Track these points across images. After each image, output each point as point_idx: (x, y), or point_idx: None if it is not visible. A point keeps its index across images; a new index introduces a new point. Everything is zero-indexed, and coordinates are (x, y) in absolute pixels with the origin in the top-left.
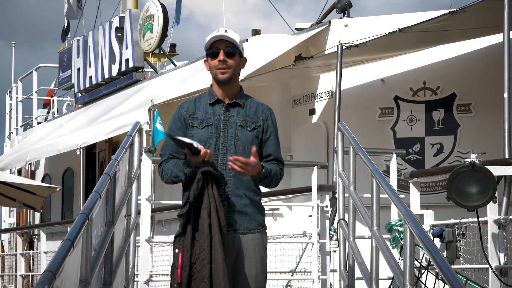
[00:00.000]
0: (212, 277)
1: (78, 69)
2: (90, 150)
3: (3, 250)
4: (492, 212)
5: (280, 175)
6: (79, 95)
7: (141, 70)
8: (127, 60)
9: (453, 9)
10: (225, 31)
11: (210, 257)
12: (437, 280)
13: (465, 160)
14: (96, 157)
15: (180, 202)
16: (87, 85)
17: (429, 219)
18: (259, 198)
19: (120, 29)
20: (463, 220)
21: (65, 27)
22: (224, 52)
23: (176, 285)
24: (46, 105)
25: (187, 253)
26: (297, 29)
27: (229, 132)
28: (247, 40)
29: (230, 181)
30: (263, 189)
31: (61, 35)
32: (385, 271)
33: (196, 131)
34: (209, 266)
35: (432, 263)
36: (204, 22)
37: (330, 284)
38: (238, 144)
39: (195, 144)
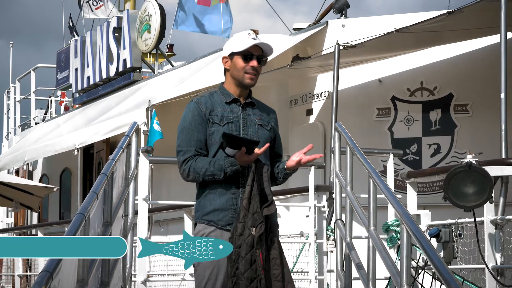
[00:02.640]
0: (284, 276)
1: (76, 69)
2: (87, 150)
3: None
4: (488, 213)
5: None
6: (77, 95)
7: (138, 70)
8: (124, 61)
9: (450, 10)
10: (256, 36)
11: (281, 258)
12: (433, 280)
13: (462, 160)
14: (94, 157)
15: (179, 202)
16: (85, 85)
17: (426, 219)
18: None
19: (117, 30)
20: (459, 220)
21: (70, 23)
22: (257, 58)
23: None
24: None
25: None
26: (294, 29)
27: (250, 130)
28: None
29: None
30: None
31: (70, 30)
32: (382, 271)
33: (217, 128)
34: (281, 267)
35: (429, 263)
36: None
37: (327, 284)
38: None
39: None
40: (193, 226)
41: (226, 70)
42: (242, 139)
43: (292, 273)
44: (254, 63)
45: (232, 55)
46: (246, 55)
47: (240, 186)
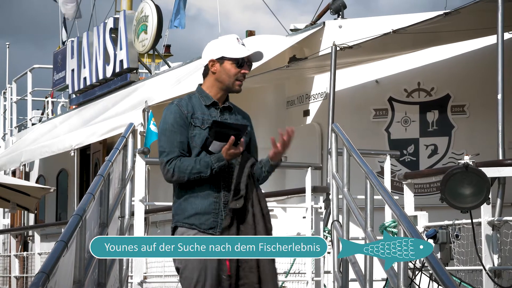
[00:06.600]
0: (259, 266)
1: (73, 70)
2: (84, 151)
3: None
4: (485, 214)
5: None
6: (74, 96)
7: (135, 71)
8: (121, 61)
9: (447, 10)
10: (240, 39)
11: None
12: (431, 281)
13: (459, 161)
14: (91, 158)
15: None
16: (82, 86)
17: (423, 221)
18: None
19: (114, 30)
20: (457, 222)
21: (64, 27)
22: (248, 65)
23: (225, 276)
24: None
25: None
26: (291, 30)
27: None
28: None
29: None
30: None
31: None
32: (379, 272)
33: (198, 131)
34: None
35: (426, 264)
36: (212, 20)
37: (324, 285)
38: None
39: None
40: (172, 230)
41: (209, 73)
42: (231, 126)
43: (289, 275)
44: (246, 70)
45: (222, 59)
46: (239, 61)
47: (221, 190)
